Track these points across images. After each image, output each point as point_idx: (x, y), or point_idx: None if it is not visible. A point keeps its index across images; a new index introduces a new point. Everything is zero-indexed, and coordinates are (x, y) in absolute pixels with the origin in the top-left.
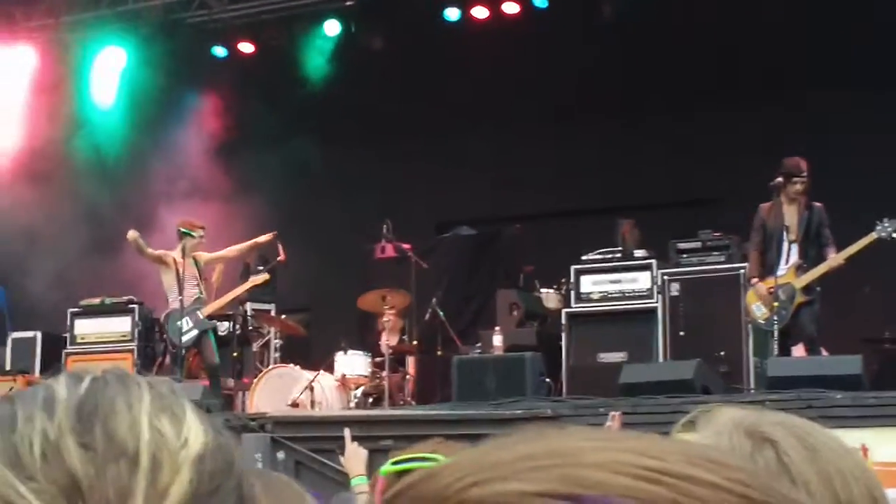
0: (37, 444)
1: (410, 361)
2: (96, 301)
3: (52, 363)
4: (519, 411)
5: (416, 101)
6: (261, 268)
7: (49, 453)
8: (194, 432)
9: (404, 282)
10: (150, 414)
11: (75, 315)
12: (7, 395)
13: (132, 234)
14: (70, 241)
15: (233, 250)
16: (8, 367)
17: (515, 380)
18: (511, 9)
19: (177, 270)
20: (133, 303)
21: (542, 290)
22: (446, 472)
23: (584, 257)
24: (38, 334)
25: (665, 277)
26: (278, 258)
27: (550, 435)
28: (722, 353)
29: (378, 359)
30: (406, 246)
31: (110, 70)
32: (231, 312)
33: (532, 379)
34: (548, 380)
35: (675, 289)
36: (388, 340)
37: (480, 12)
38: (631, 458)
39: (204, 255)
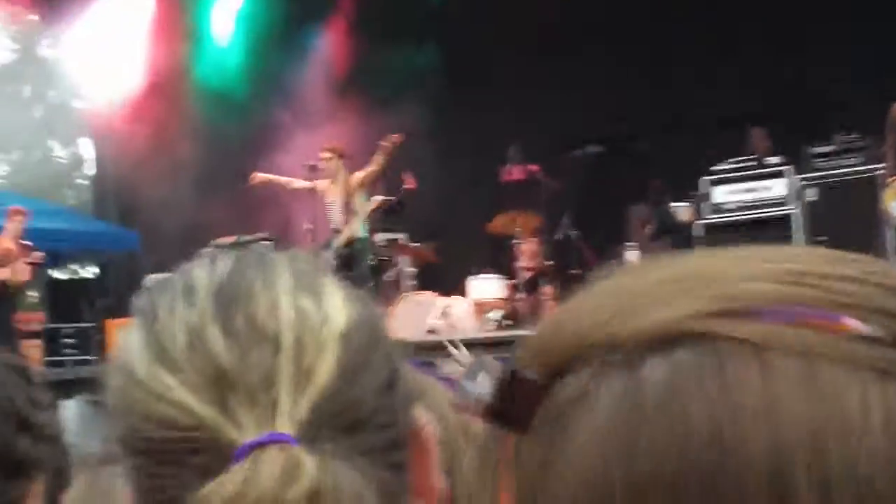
0: (180, 336)
1: (545, 282)
2: (230, 240)
3: None
4: None
5: (542, 19)
6: (392, 198)
7: (193, 343)
8: (337, 308)
9: (534, 203)
10: (291, 293)
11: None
12: (146, 287)
13: (257, 177)
14: (198, 179)
15: (375, 162)
16: None
17: None
18: None
19: (323, 200)
20: (266, 240)
21: (674, 203)
22: (580, 311)
23: (715, 168)
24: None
25: (801, 183)
26: (407, 186)
27: (683, 260)
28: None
29: (512, 281)
30: (534, 167)
31: (228, 9)
32: (361, 246)
33: None
34: None
35: (811, 194)
36: (524, 262)
37: None
38: (773, 267)
39: (357, 177)
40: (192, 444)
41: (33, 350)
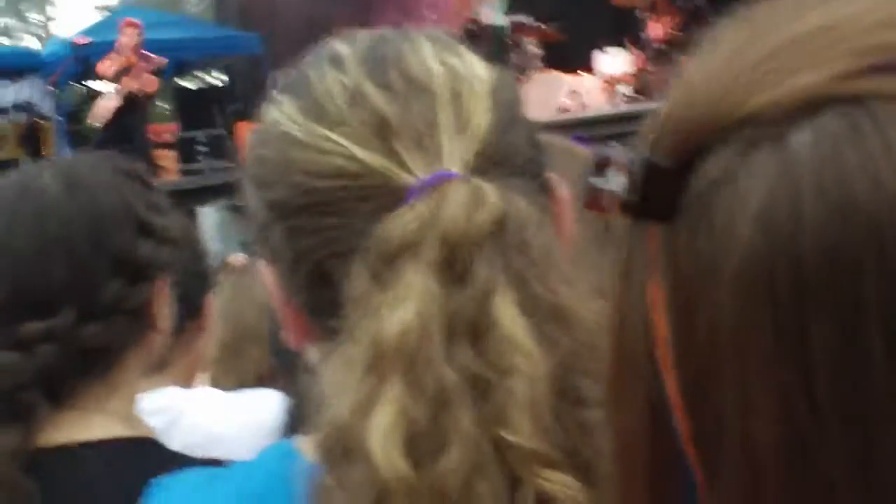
0: (338, 94)
1: (676, 52)
2: None
3: None
4: None
5: None
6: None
7: (352, 98)
8: (481, 67)
9: None
10: (437, 54)
11: None
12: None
13: None
14: None
15: None
16: None
17: None
18: None
19: None
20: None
21: None
22: (710, 83)
23: None
24: None
25: None
26: None
27: (809, 9)
28: None
29: (641, 54)
30: None
31: None
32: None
33: None
34: None
35: None
36: (652, 33)
37: None
38: None
39: None
40: (361, 190)
41: (168, 160)
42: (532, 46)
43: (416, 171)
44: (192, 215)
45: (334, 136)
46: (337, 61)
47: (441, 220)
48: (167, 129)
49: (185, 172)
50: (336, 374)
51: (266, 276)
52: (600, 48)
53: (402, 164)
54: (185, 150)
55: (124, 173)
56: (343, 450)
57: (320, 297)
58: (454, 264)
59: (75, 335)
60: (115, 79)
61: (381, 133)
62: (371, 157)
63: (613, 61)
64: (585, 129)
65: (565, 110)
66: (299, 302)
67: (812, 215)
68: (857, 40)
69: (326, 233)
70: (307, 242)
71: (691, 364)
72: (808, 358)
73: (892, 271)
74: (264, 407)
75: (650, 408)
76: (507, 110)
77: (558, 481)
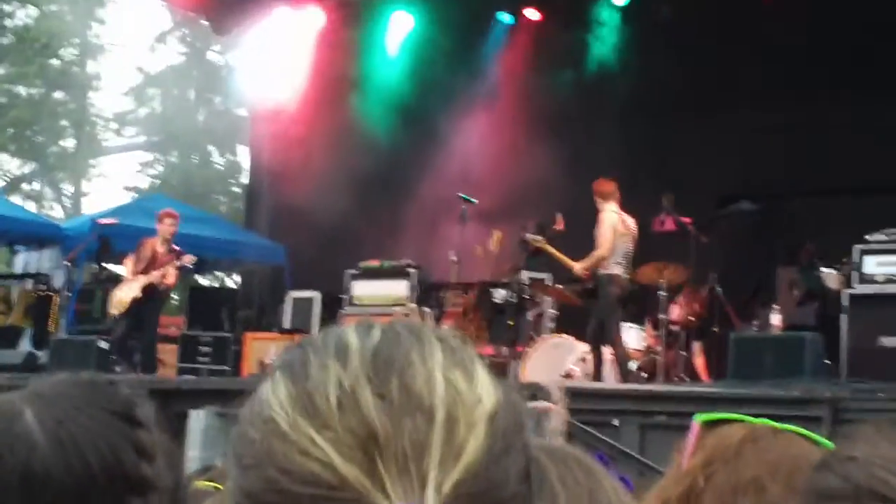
0: (332, 394)
1: (692, 337)
2: (375, 264)
3: (328, 323)
4: (796, 393)
5: (702, 72)
6: (539, 237)
7: (345, 403)
8: (487, 389)
9: (683, 256)
10: (444, 368)
11: (353, 277)
12: (296, 342)
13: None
14: (350, 196)
15: None
16: (286, 326)
17: (794, 360)
18: None
19: None
20: (411, 267)
21: (824, 269)
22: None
23: (868, 237)
24: (317, 295)
25: None
26: (556, 227)
27: None
28: None
29: (654, 333)
30: (686, 220)
31: (396, 33)
32: (508, 280)
33: (811, 360)
34: (828, 361)
35: None
36: (674, 315)
37: None
38: None
39: None
40: (333, 503)
41: (169, 354)
42: (549, 306)
43: (394, 497)
44: (181, 417)
45: (318, 439)
46: (342, 352)
47: None
48: (173, 322)
49: (183, 371)
50: None
51: None
52: None
53: (381, 486)
54: (187, 348)
55: (111, 413)
56: None
57: None
58: None
59: None
60: (138, 271)
61: (367, 447)
62: (350, 472)
63: (626, 336)
64: (588, 399)
65: (570, 376)
66: None
67: None
68: None
69: None
70: None
71: None
72: None
73: None
74: None
75: None
76: (504, 440)
77: None
